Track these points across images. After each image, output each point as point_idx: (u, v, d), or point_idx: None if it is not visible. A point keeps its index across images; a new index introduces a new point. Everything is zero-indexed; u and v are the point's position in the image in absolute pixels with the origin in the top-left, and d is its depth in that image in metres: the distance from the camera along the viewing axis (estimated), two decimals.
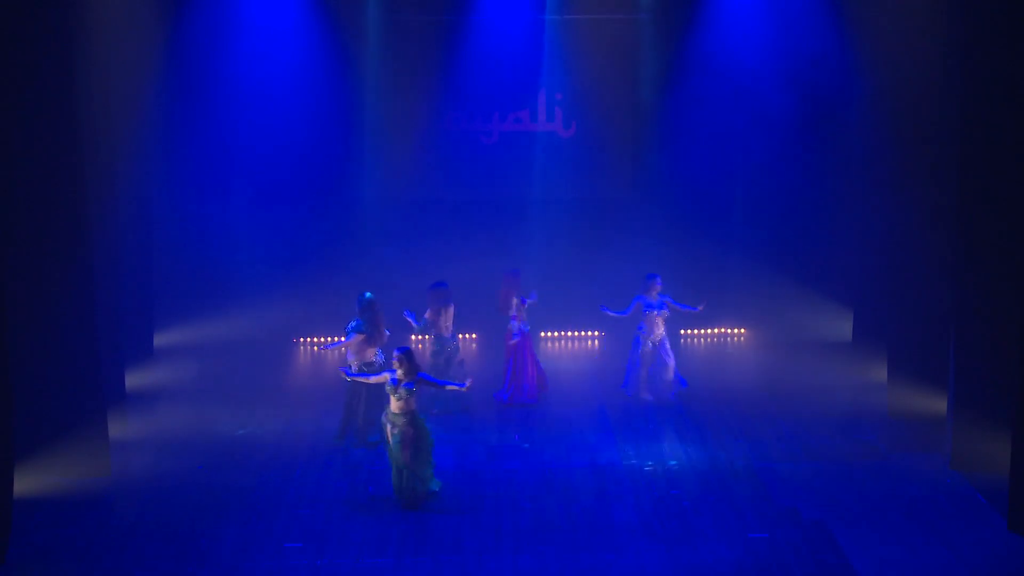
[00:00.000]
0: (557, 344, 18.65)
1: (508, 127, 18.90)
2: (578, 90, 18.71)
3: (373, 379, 12.96)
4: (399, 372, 12.50)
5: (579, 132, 18.89)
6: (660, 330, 15.84)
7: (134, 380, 15.61)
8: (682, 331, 18.70)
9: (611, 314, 15.91)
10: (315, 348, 18.10)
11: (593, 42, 18.44)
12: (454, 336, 15.92)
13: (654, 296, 15.82)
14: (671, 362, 15.82)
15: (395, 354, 12.60)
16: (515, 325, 15.90)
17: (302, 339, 18.70)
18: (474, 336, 18.68)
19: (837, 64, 17.14)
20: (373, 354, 14.53)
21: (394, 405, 12.52)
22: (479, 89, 18.61)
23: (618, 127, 18.80)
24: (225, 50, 17.66)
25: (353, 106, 18.38)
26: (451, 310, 15.77)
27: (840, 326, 17.88)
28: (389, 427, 12.56)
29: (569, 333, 18.71)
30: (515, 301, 15.90)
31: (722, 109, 18.46)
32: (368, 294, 14.69)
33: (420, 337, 16.37)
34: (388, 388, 12.53)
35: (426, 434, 12.62)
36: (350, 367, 14.10)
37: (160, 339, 17.33)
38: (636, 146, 18.86)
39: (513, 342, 15.87)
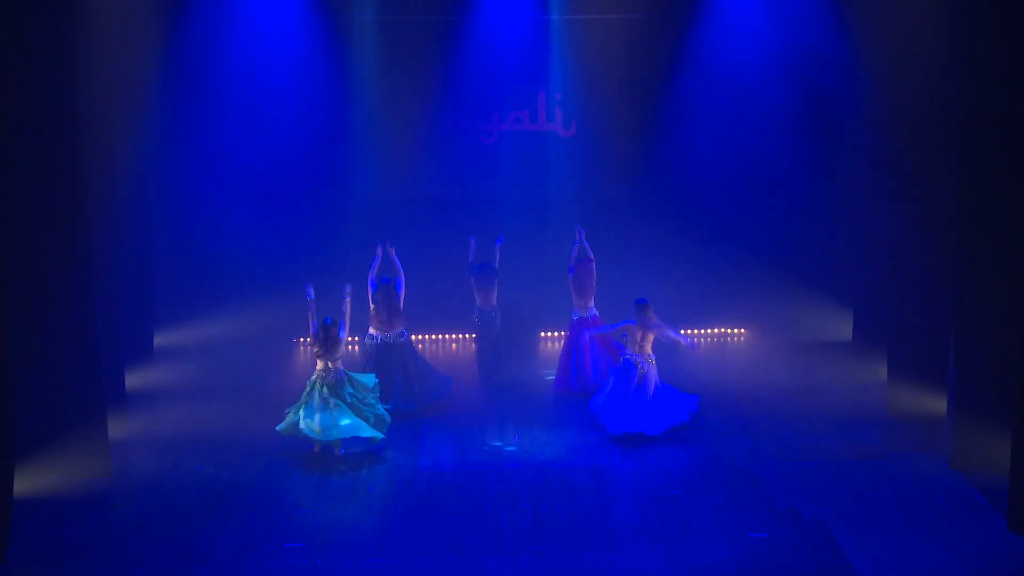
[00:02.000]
0: (558, 344, 18.65)
1: (508, 127, 18.89)
2: (578, 90, 18.71)
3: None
4: (319, 343, 14.06)
5: (579, 132, 18.89)
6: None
7: (134, 380, 15.61)
8: (682, 331, 18.67)
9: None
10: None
11: (593, 42, 18.43)
12: (494, 312, 16.79)
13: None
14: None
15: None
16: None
17: (302, 339, 18.70)
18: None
19: (838, 64, 17.14)
20: (374, 329, 15.66)
21: (319, 365, 14.01)
22: (479, 89, 18.60)
23: (618, 127, 18.78)
24: (225, 50, 17.65)
25: (353, 106, 18.38)
26: (492, 288, 16.81)
27: (840, 326, 17.88)
28: (323, 388, 13.91)
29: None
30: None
31: (722, 109, 18.47)
32: (387, 279, 15.62)
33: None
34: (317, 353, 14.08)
35: (356, 381, 14.16)
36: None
37: (160, 339, 17.32)
38: (636, 146, 18.85)
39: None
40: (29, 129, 12.44)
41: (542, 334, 18.95)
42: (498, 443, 14.37)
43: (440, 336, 19.01)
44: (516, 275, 17.72)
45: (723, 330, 19.13)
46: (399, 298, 15.62)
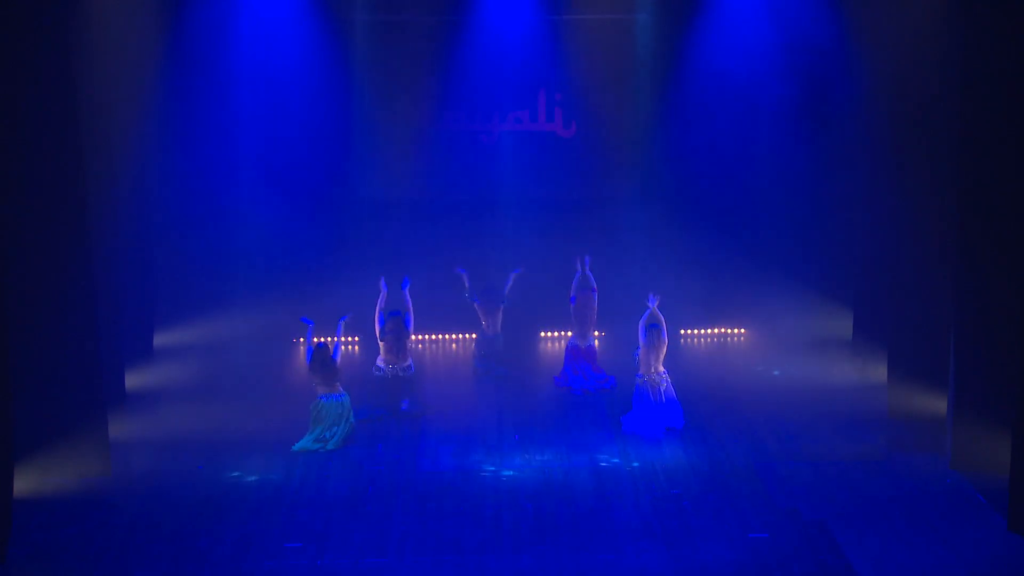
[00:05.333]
0: (558, 344, 18.66)
1: (508, 127, 18.90)
2: (578, 90, 18.71)
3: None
4: (316, 363, 14.45)
5: (579, 132, 18.89)
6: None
7: (134, 380, 15.60)
8: (682, 331, 18.70)
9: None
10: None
11: (593, 42, 18.44)
12: (497, 338, 16.96)
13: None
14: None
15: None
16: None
17: (302, 339, 18.67)
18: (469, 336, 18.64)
19: (837, 64, 17.14)
20: (382, 361, 15.57)
21: (320, 389, 14.44)
22: (479, 89, 18.61)
23: (618, 127, 18.80)
24: (226, 50, 17.66)
25: (353, 106, 18.38)
26: (498, 313, 16.97)
27: (840, 326, 17.88)
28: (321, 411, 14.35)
29: (569, 333, 18.67)
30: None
31: (722, 108, 18.46)
32: (396, 312, 15.62)
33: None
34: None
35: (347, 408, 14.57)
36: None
37: (160, 339, 17.32)
38: (636, 146, 18.86)
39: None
40: (29, 129, 12.43)
41: (542, 334, 18.94)
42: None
43: (440, 336, 18.99)
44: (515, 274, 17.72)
45: (723, 330, 19.12)
46: (408, 332, 15.63)
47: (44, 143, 12.54)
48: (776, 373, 17.07)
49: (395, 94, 18.46)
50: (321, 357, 14.45)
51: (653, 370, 14.95)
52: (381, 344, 15.64)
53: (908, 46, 14.48)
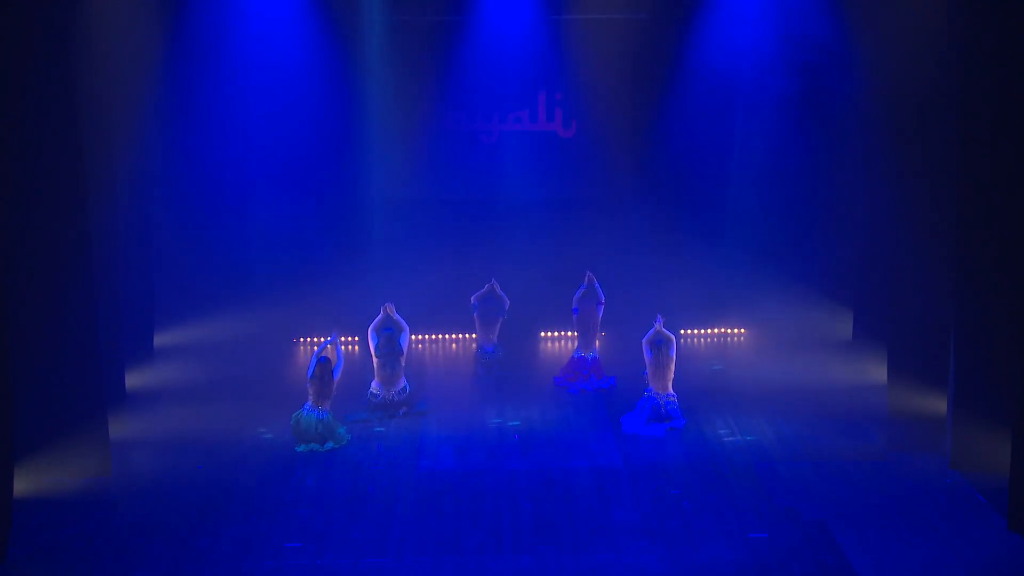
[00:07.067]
0: (558, 344, 18.66)
1: (508, 127, 18.89)
2: (578, 90, 18.71)
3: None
4: (315, 378, 14.43)
5: (579, 132, 18.89)
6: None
7: (134, 380, 15.61)
8: (682, 331, 18.69)
9: None
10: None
11: (593, 42, 18.43)
12: (496, 348, 16.99)
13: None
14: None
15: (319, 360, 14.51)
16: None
17: (302, 339, 18.70)
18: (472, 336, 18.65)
19: (838, 64, 17.14)
20: (377, 386, 15.43)
21: (313, 399, 14.36)
22: (479, 89, 18.59)
23: (618, 127, 18.78)
24: (226, 50, 17.64)
25: (353, 106, 18.36)
26: (496, 324, 16.97)
27: (840, 326, 17.88)
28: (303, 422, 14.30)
29: (570, 333, 18.69)
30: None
31: (722, 109, 18.46)
32: (389, 328, 15.55)
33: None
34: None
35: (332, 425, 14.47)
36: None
37: (160, 339, 17.32)
38: (636, 146, 18.84)
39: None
40: (29, 129, 12.44)
41: (542, 334, 18.94)
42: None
43: (440, 336, 18.99)
44: (516, 275, 17.71)
45: (723, 330, 19.12)
46: (401, 350, 15.52)
47: (44, 143, 12.54)
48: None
49: (395, 94, 18.42)
50: (321, 372, 14.43)
51: (663, 388, 14.86)
52: (375, 361, 15.52)
53: (908, 44, 14.47)
